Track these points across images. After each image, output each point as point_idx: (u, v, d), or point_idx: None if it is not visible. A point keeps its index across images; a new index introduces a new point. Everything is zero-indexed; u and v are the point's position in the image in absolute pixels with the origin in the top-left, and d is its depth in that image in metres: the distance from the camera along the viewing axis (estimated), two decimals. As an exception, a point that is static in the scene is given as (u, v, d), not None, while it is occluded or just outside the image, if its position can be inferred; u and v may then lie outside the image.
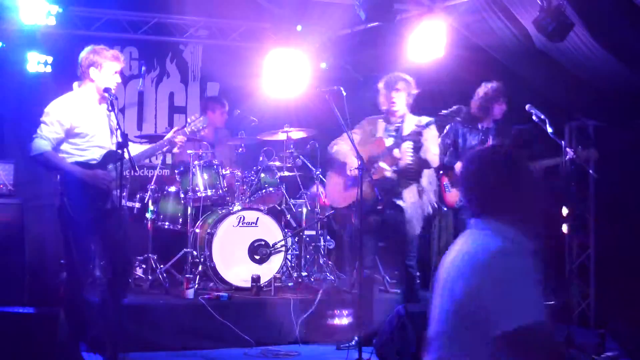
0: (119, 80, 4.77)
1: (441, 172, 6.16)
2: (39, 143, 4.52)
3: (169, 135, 5.04)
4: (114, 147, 4.63)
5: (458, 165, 5.99)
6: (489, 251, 2.19)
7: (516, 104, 5.88)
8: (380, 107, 5.52)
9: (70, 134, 4.58)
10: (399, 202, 5.32)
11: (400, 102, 5.42)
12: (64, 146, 4.59)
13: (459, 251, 2.29)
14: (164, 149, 5.16)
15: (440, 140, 6.14)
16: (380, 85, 5.50)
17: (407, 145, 5.18)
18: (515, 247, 2.21)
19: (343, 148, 5.45)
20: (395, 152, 5.22)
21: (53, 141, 4.54)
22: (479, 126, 6.03)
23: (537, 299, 2.13)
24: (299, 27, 7.02)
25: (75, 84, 4.74)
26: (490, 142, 5.98)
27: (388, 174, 5.28)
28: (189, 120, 5.30)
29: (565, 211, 6.27)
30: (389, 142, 5.35)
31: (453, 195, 6.06)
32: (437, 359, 2.29)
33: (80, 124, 4.57)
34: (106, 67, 4.67)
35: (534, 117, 5.52)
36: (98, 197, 4.54)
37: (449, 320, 2.25)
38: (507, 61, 6.39)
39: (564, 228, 6.38)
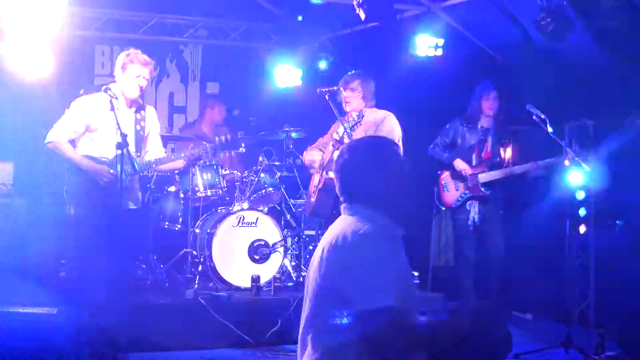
0: (143, 84, 4.82)
1: (439, 171, 6.16)
2: (53, 132, 4.72)
3: (197, 150, 5.17)
4: (133, 149, 4.79)
5: (457, 162, 5.99)
6: (351, 234, 2.30)
7: (516, 104, 5.88)
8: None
9: (89, 130, 4.74)
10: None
11: (354, 102, 5.38)
12: (83, 138, 4.76)
13: (328, 234, 2.39)
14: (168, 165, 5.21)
15: (439, 138, 6.15)
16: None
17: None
18: (378, 231, 2.30)
19: (313, 156, 5.46)
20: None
21: (71, 134, 4.73)
22: (479, 126, 6.03)
23: (393, 284, 2.20)
24: (300, 17, 7.02)
25: (112, 85, 4.84)
26: (489, 143, 5.98)
27: (324, 177, 5.29)
28: (222, 138, 5.40)
29: (582, 212, 6.28)
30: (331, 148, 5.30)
31: (451, 195, 6.05)
32: (304, 336, 2.39)
33: (100, 123, 4.67)
34: (130, 70, 4.77)
35: (534, 117, 5.52)
36: (100, 191, 4.57)
37: (317, 299, 2.36)
38: (507, 61, 6.40)
39: (582, 229, 6.38)
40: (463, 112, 6.08)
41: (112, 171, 4.64)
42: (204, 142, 6.73)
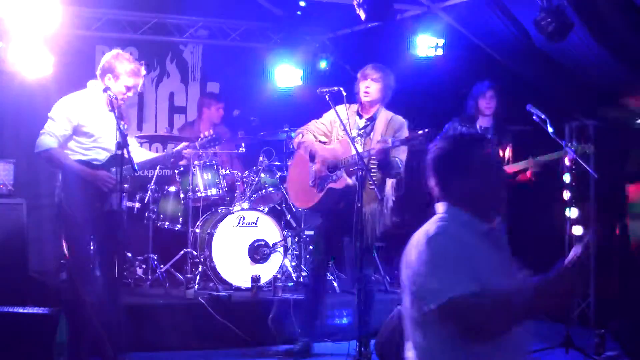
0: (131, 94, 4.69)
1: None
2: (45, 139, 4.52)
3: (179, 147, 4.98)
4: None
5: None
6: (424, 233, 2.34)
7: (516, 104, 5.88)
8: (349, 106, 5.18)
9: (77, 132, 4.56)
10: (364, 208, 4.97)
11: (374, 93, 5.08)
12: (70, 143, 4.57)
13: (417, 233, 2.41)
14: (171, 161, 5.04)
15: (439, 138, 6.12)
16: (359, 75, 5.17)
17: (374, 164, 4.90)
18: (451, 228, 2.33)
19: (310, 139, 5.17)
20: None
21: (60, 138, 4.52)
22: (477, 126, 6.00)
23: (466, 275, 2.22)
24: (302, 2, 6.99)
25: (90, 82, 4.69)
26: None
27: (350, 182, 5.03)
28: (202, 135, 5.31)
29: (575, 213, 6.27)
30: (356, 147, 4.95)
31: None
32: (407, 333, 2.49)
33: (87, 123, 4.55)
34: (122, 80, 4.59)
35: (534, 117, 5.52)
36: (96, 197, 4.53)
37: (404, 296, 2.42)
38: (507, 61, 6.39)
39: (582, 229, 6.36)
40: (462, 112, 6.06)
41: (112, 175, 4.56)
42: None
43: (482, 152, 2.40)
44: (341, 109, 5.12)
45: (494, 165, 2.43)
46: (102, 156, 4.60)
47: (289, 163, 5.63)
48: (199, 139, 5.31)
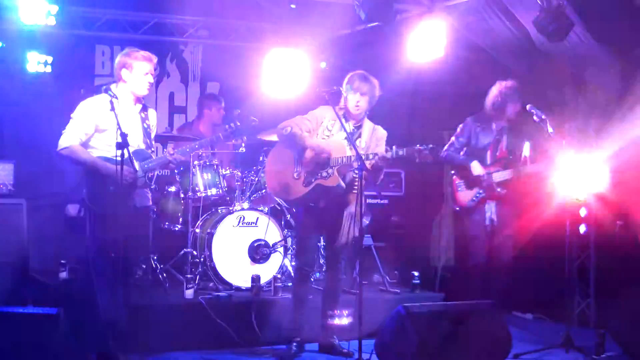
0: (151, 80, 4.86)
1: (452, 172, 6.10)
2: (66, 137, 4.68)
3: (175, 156, 5.02)
4: (143, 147, 4.82)
5: (474, 165, 5.91)
6: None
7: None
8: (340, 105, 5.23)
9: (98, 130, 4.72)
10: (346, 210, 5.19)
11: (365, 105, 5.17)
12: (93, 140, 4.73)
13: None
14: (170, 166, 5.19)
15: (454, 138, 6.11)
16: (346, 84, 5.19)
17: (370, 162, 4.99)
18: None
19: (299, 130, 5.17)
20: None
21: (82, 136, 4.68)
22: (493, 125, 5.96)
23: None
24: (292, 5, 7.01)
25: (112, 85, 4.82)
26: (504, 142, 5.92)
27: (342, 183, 5.13)
28: (226, 127, 5.51)
29: (583, 212, 6.27)
30: (348, 150, 5.06)
31: (465, 195, 6.00)
32: None
33: (108, 124, 4.68)
34: (137, 68, 4.77)
35: (534, 117, 5.52)
36: (119, 192, 4.56)
37: None
38: (507, 61, 6.40)
39: (582, 229, 6.37)
40: (477, 112, 6.01)
41: (131, 170, 4.63)
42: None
43: None
44: (328, 109, 5.15)
45: None
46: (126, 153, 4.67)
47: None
48: (224, 130, 5.47)
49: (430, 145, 4.75)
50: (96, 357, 4.67)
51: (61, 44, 6.75)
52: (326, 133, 5.21)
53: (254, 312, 5.61)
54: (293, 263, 6.65)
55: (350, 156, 4.99)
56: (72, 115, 4.75)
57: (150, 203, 5.10)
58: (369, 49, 7.31)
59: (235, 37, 7.78)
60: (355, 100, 5.15)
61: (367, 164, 4.89)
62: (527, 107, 5.56)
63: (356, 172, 4.93)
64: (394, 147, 4.95)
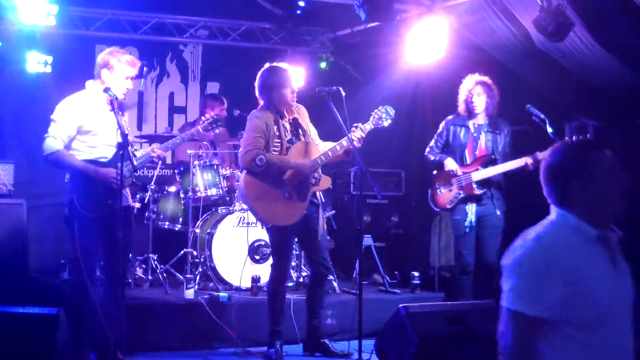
0: (130, 86, 4.74)
1: (435, 172, 6.03)
2: (51, 142, 4.56)
3: (149, 149, 5.00)
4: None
5: (447, 162, 5.83)
6: (523, 236, 2.38)
7: (516, 104, 5.87)
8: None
9: (80, 132, 4.60)
10: (325, 213, 5.29)
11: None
12: (75, 143, 4.62)
13: (527, 232, 2.43)
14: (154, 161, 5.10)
15: (434, 140, 6.06)
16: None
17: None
18: (570, 232, 2.35)
19: (270, 155, 4.97)
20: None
21: (65, 139, 4.57)
22: (472, 123, 5.88)
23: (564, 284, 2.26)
24: (301, 2, 6.99)
25: (88, 82, 4.74)
26: (482, 138, 5.85)
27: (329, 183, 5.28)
28: (202, 118, 5.44)
29: None
30: (315, 150, 5.19)
31: (444, 196, 5.93)
32: None
33: (89, 122, 4.60)
34: (118, 71, 4.65)
35: (534, 117, 5.51)
36: (107, 195, 4.55)
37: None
38: (507, 61, 6.39)
39: None
40: (454, 111, 5.98)
41: (118, 171, 4.58)
42: (204, 142, 6.76)
43: (602, 160, 2.37)
44: (263, 115, 5.06)
45: (612, 170, 2.38)
46: (109, 153, 4.63)
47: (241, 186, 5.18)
48: (201, 123, 5.32)
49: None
50: (96, 357, 4.68)
51: (61, 44, 6.75)
52: (277, 141, 5.04)
53: (254, 312, 5.61)
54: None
55: (327, 151, 5.09)
56: (51, 116, 4.60)
57: (130, 203, 5.05)
58: (369, 49, 7.31)
59: (235, 37, 7.79)
60: (292, 98, 5.16)
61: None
62: (527, 107, 5.55)
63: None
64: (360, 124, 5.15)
